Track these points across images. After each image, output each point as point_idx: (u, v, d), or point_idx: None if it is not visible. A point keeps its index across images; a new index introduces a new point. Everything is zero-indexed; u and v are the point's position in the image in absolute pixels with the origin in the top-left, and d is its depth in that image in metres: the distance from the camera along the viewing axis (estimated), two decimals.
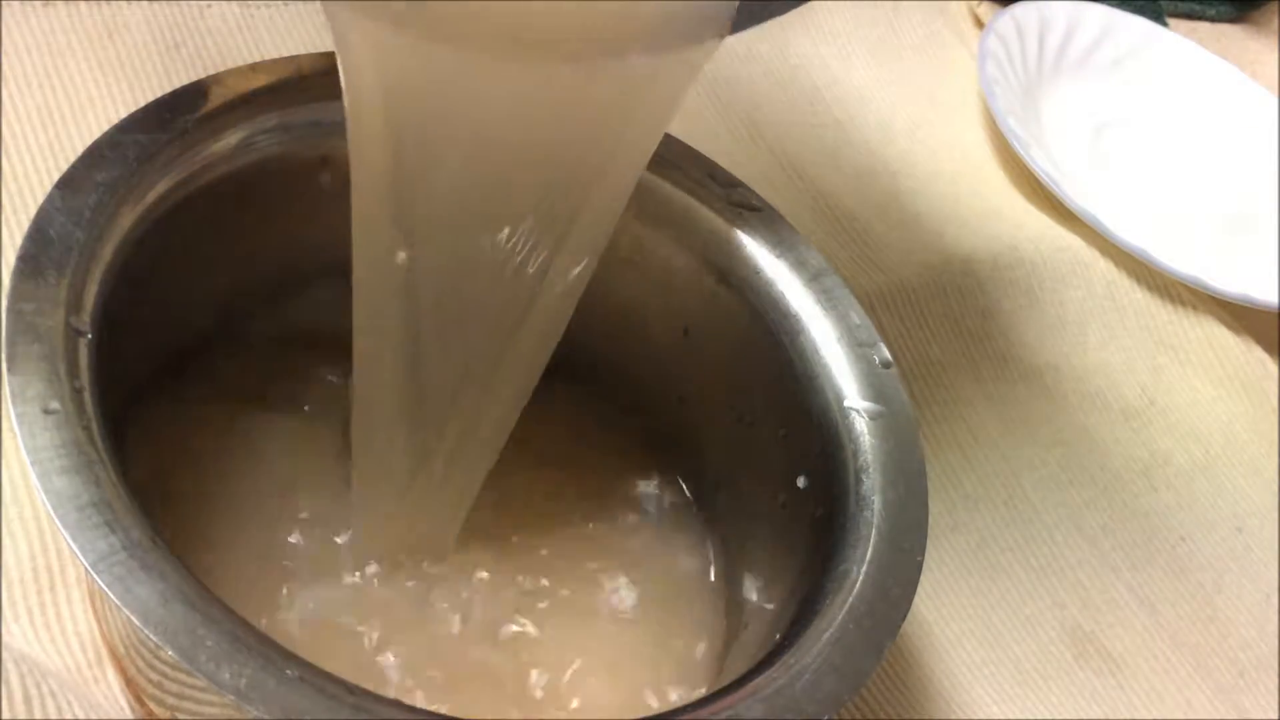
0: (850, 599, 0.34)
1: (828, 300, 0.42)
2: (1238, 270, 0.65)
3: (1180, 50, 0.76)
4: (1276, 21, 0.84)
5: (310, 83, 0.40)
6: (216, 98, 0.38)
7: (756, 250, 0.42)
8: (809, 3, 0.30)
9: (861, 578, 0.35)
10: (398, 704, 0.28)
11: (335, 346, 0.39)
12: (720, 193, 0.43)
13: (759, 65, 0.64)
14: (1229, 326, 0.62)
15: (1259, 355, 0.62)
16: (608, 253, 0.44)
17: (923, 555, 0.36)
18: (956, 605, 0.48)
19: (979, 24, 0.73)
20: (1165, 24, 0.78)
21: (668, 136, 0.44)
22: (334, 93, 0.38)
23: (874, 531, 0.36)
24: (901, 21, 0.71)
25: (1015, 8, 0.71)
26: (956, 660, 0.46)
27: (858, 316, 0.41)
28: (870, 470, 0.37)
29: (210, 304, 0.41)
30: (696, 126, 0.59)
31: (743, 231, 0.43)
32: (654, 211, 0.43)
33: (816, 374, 0.40)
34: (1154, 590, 0.52)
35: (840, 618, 0.33)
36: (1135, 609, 0.51)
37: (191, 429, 0.38)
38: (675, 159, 0.44)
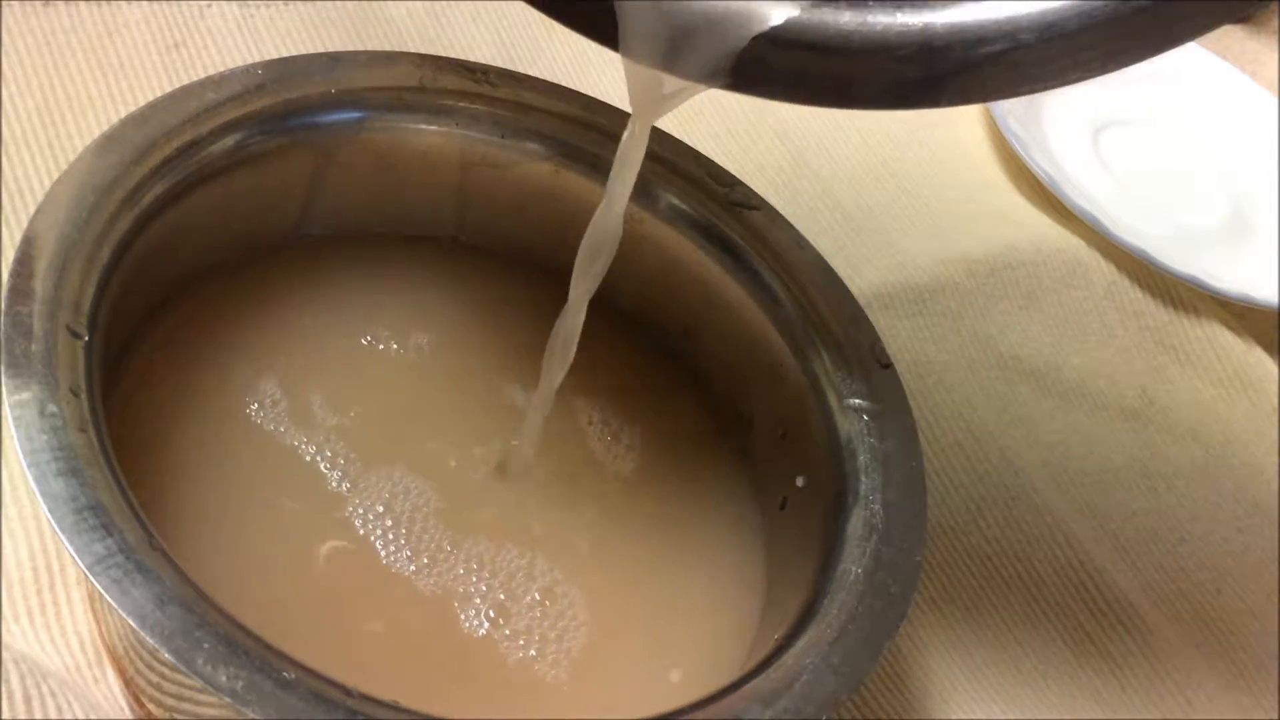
0: (849, 599, 0.34)
1: (827, 300, 0.42)
2: (1238, 270, 0.65)
3: (1180, 50, 0.75)
4: (1276, 21, 0.84)
5: (309, 84, 0.40)
6: (215, 98, 0.38)
7: (756, 249, 0.42)
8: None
9: (861, 577, 0.35)
10: (395, 706, 0.28)
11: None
12: (720, 192, 0.43)
13: None
14: (1229, 326, 0.62)
15: (1259, 355, 0.62)
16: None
17: (922, 555, 0.36)
18: (956, 605, 0.48)
19: None
20: None
21: (668, 136, 0.44)
22: (331, 93, 0.38)
23: (873, 532, 0.36)
24: None
25: None
26: (956, 660, 0.46)
27: (857, 316, 0.41)
28: (870, 470, 0.37)
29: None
30: (697, 127, 0.59)
31: (742, 230, 0.43)
32: (654, 211, 0.43)
33: (817, 374, 0.40)
34: (1154, 590, 0.52)
35: (839, 618, 0.33)
36: (1135, 609, 0.51)
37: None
38: (675, 158, 0.44)
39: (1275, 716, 0.49)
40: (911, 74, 0.31)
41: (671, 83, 0.34)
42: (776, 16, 0.32)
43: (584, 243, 0.38)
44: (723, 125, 0.60)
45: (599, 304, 0.45)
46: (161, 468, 0.36)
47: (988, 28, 0.30)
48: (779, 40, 0.32)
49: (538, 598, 0.38)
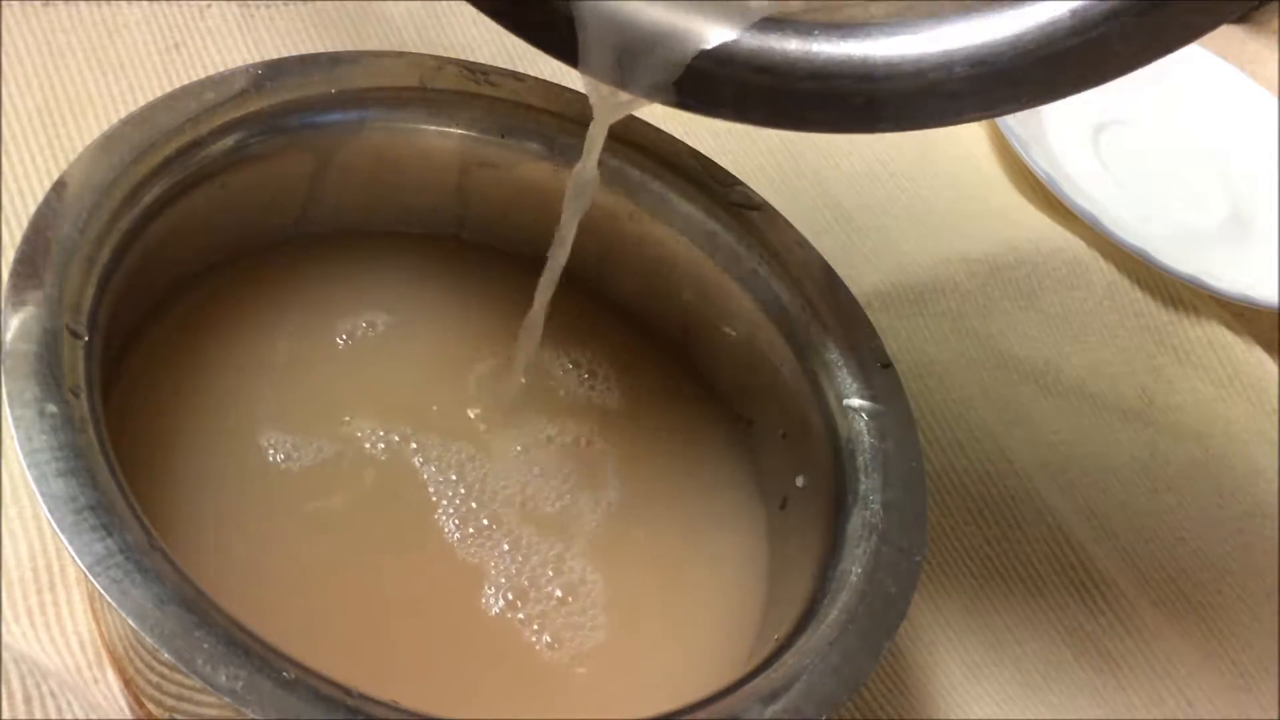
0: (849, 599, 0.34)
1: (827, 300, 0.42)
2: (1238, 270, 0.65)
3: (1180, 50, 0.75)
4: (1276, 21, 0.84)
5: (309, 84, 0.40)
6: (215, 98, 0.38)
7: (756, 249, 0.42)
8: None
9: (860, 577, 0.35)
10: (394, 706, 0.28)
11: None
12: (720, 192, 0.43)
13: None
14: (1229, 326, 0.62)
15: (1259, 355, 0.62)
16: (609, 253, 0.44)
17: (922, 555, 0.36)
18: (956, 605, 0.48)
19: None
20: None
21: (668, 136, 0.44)
22: (331, 93, 0.38)
23: (873, 531, 0.36)
24: None
25: None
26: (957, 660, 0.46)
27: (858, 316, 0.41)
28: (870, 470, 0.37)
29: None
30: (697, 126, 0.59)
31: (742, 230, 0.43)
32: (654, 210, 0.43)
33: (817, 374, 0.40)
34: (1154, 590, 0.52)
35: (839, 618, 0.33)
36: (1135, 609, 0.51)
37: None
38: (675, 158, 0.44)
39: (1275, 717, 0.49)
40: (852, 101, 0.33)
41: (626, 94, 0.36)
42: (714, 38, 0.34)
43: (569, 185, 0.39)
44: (723, 125, 0.60)
45: (600, 304, 0.45)
46: (161, 467, 0.36)
47: (925, 60, 0.32)
48: (723, 62, 0.34)
49: (557, 593, 0.38)
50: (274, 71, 0.40)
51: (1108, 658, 0.49)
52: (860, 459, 0.38)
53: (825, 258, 0.43)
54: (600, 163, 0.41)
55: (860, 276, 0.56)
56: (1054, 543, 0.51)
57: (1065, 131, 0.70)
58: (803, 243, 0.43)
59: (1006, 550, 0.50)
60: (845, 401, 0.39)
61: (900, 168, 0.63)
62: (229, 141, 0.39)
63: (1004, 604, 0.49)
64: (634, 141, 0.43)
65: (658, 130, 0.44)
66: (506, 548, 0.38)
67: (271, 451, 0.38)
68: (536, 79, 0.44)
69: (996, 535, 0.51)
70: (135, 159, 0.36)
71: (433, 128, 0.43)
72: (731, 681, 0.32)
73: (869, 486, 0.37)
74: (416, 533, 0.38)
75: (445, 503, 0.39)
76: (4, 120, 0.47)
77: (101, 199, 0.34)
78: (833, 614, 0.34)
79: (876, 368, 0.40)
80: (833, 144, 0.63)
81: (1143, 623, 0.50)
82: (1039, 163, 0.63)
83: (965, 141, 0.67)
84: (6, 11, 0.50)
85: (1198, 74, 0.75)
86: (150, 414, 0.37)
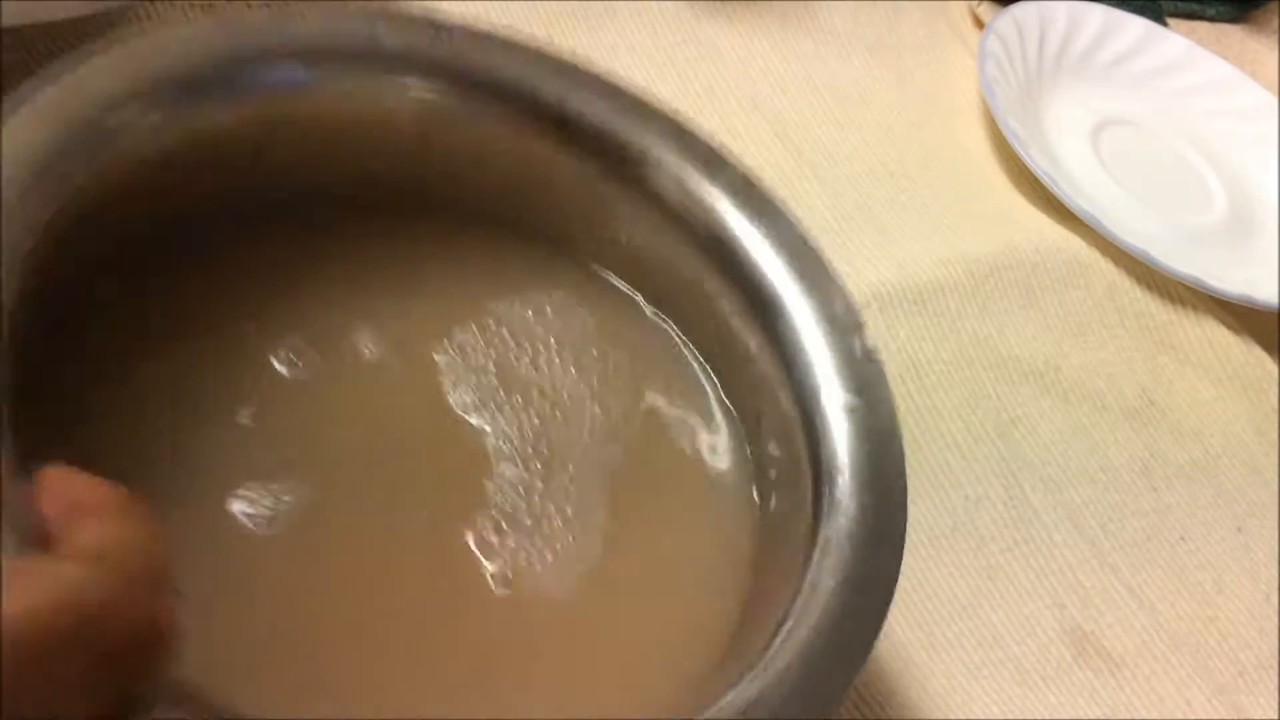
0: (819, 617, 0.32)
1: (823, 300, 0.41)
2: (1238, 270, 0.65)
3: (1180, 50, 0.75)
4: (1276, 21, 0.84)
5: (257, 38, 0.38)
6: (152, 55, 0.35)
7: (755, 248, 0.42)
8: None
9: (832, 591, 0.33)
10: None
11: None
12: (710, 174, 0.43)
13: (758, 65, 0.64)
14: (1229, 326, 0.62)
15: (1259, 355, 0.62)
16: (608, 252, 0.44)
17: (899, 566, 0.34)
18: (955, 605, 0.48)
19: (979, 24, 0.73)
20: (1165, 24, 0.78)
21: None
22: (281, 50, 0.38)
23: (846, 539, 0.34)
24: (901, 21, 0.71)
25: (1015, 8, 0.71)
26: (955, 660, 0.46)
27: (850, 316, 0.41)
28: (845, 471, 0.36)
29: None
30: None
31: (735, 221, 0.43)
32: (654, 211, 0.43)
33: (806, 373, 0.40)
34: (1154, 590, 0.52)
35: (808, 637, 0.32)
36: (1135, 609, 0.51)
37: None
38: (669, 150, 0.43)
39: (1275, 717, 0.49)
40: None
41: None
42: None
43: None
44: (722, 125, 0.60)
45: (600, 302, 0.45)
46: (128, 431, 0.35)
47: None
48: None
49: (545, 556, 0.38)
50: (219, 25, 0.37)
51: (1107, 658, 0.49)
52: (836, 459, 0.37)
53: (825, 257, 0.43)
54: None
55: (860, 276, 0.56)
56: (1053, 543, 0.51)
57: (1065, 131, 0.70)
58: (802, 242, 0.43)
59: (1006, 550, 0.50)
60: (831, 401, 0.39)
61: (900, 168, 0.63)
62: (172, 103, 0.35)
63: (1004, 604, 0.49)
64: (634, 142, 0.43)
65: (656, 129, 0.44)
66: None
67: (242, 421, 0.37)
68: (498, 35, 0.42)
69: (996, 535, 0.51)
70: (66, 126, 0.33)
71: (389, 87, 0.40)
72: (710, 687, 0.31)
73: (843, 489, 0.36)
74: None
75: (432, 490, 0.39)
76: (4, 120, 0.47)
77: (28, 171, 0.32)
78: (800, 633, 0.32)
79: (864, 366, 0.40)
80: (833, 144, 0.63)
81: (1142, 623, 0.50)
82: (1039, 163, 0.63)
83: (965, 142, 0.67)
84: None
85: (1198, 74, 0.75)
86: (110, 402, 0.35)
